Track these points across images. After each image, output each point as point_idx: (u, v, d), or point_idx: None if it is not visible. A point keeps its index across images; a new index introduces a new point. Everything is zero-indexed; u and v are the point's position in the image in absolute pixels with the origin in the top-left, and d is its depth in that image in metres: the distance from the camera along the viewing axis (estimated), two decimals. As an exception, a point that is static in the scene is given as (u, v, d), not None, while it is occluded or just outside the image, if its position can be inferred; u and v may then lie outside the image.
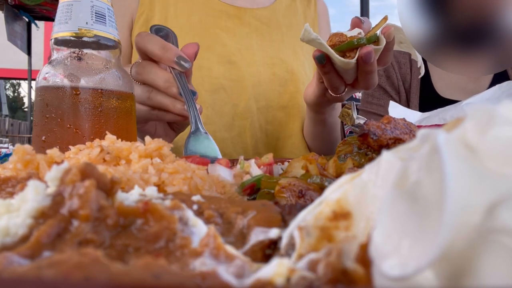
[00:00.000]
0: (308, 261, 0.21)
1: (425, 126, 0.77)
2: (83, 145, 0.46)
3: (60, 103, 0.55)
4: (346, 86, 0.82)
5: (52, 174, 0.25)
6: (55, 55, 0.57)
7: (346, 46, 0.71)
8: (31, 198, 0.24)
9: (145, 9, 1.06)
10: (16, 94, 26.25)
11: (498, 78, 1.28)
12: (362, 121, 0.85)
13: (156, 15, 1.06)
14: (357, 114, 0.87)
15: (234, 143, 1.07)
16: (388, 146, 0.44)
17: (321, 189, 0.40)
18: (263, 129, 1.11)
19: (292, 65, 1.13)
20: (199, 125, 0.70)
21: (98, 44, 0.57)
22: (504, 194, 0.17)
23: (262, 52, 1.11)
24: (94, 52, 0.57)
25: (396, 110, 1.03)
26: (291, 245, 0.23)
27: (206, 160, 0.56)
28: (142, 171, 0.42)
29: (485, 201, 0.16)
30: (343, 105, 0.93)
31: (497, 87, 0.90)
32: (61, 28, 0.55)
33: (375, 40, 0.72)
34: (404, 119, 0.50)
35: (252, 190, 0.46)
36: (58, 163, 0.31)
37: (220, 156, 0.69)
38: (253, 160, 0.57)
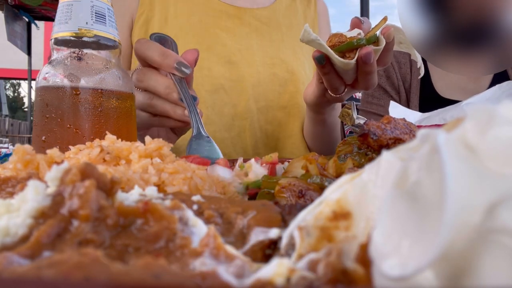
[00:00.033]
0: (308, 261, 0.21)
1: (425, 126, 0.77)
2: (83, 145, 0.46)
3: (60, 103, 0.55)
4: (346, 86, 0.81)
5: (52, 174, 0.25)
6: (55, 55, 0.57)
7: (345, 47, 0.71)
8: (31, 198, 0.24)
9: (145, 9, 1.06)
10: (16, 94, 26.26)
11: (498, 78, 1.28)
12: (362, 121, 0.85)
13: (156, 15, 1.06)
14: (357, 114, 0.87)
15: (234, 143, 1.07)
16: (388, 146, 0.44)
17: (321, 189, 0.40)
18: (263, 129, 1.11)
19: (292, 65, 1.13)
20: (201, 130, 0.70)
21: (98, 44, 0.57)
22: (504, 194, 0.17)
23: (262, 52, 1.11)
24: (94, 52, 0.57)
25: (396, 110, 1.03)
26: (291, 245, 0.23)
27: (206, 160, 0.56)
28: (142, 171, 0.42)
29: (485, 201, 0.16)
30: (343, 105, 0.93)
31: (497, 87, 0.90)
32: (61, 28, 0.55)
33: (374, 41, 0.72)
34: (404, 119, 0.50)
35: (256, 193, 0.46)
36: (58, 163, 0.31)
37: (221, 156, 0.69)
38: (253, 160, 0.57)
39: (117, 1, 0.87)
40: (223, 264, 0.21)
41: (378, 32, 0.72)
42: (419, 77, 0.92)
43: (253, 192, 0.47)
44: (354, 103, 0.89)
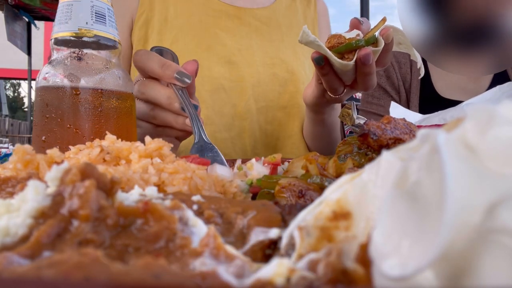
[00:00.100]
0: (308, 261, 0.21)
1: (425, 126, 0.77)
2: (83, 145, 0.46)
3: (60, 103, 0.55)
4: (345, 87, 0.81)
5: (52, 174, 0.25)
6: (55, 55, 0.57)
7: (344, 48, 0.71)
8: (31, 198, 0.24)
9: (145, 9, 1.06)
10: (16, 94, 26.26)
11: (498, 79, 1.28)
12: (362, 121, 0.85)
13: (156, 15, 1.06)
14: (357, 114, 0.87)
15: (233, 143, 1.07)
16: (388, 146, 0.44)
17: (321, 189, 0.40)
18: (262, 129, 1.11)
19: (292, 65, 1.13)
20: (203, 136, 0.70)
21: (98, 44, 0.57)
22: (504, 194, 0.17)
23: (262, 52, 1.11)
24: (94, 52, 0.57)
25: (396, 111, 1.03)
26: (291, 245, 0.23)
27: (206, 160, 0.56)
28: (142, 171, 0.42)
29: (485, 201, 0.16)
30: (343, 105, 0.93)
31: (497, 88, 0.90)
32: (61, 28, 0.55)
33: (373, 42, 0.72)
34: (404, 119, 0.50)
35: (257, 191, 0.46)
36: (58, 163, 0.31)
37: (226, 164, 0.68)
38: (253, 160, 0.57)
39: (117, 1, 0.87)
40: (223, 264, 0.21)
41: (377, 33, 0.72)
42: (419, 77, 0.92)
43: (257, 189, 0.47)
44: (354, 103, 0.89)
